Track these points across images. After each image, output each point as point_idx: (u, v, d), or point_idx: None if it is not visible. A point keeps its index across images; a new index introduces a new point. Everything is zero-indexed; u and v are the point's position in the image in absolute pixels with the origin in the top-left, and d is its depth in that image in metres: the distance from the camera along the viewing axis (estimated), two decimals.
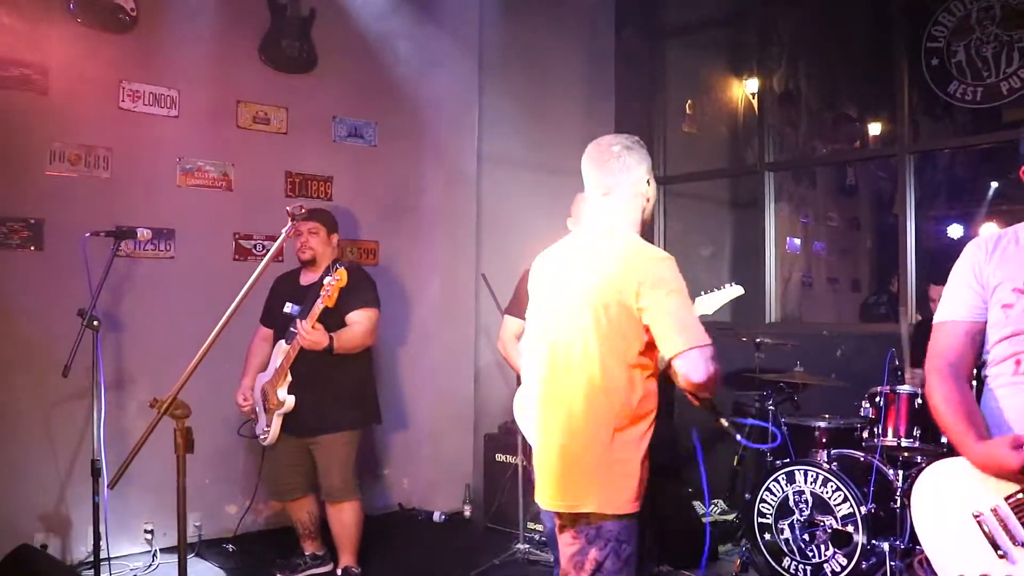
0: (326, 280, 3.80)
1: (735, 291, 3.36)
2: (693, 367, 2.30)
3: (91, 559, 3.95)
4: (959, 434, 2.08)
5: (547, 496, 2.50)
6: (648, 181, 2.56)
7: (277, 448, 4.21)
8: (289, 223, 2.85)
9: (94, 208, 4.45)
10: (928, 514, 2.14)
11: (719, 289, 3.32)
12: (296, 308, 4.16)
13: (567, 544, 2.48)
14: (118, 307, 4.58)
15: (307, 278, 4.28)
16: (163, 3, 4.69)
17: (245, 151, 5.05)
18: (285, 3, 5.09)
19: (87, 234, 3.98)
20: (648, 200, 2.58)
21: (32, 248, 4.36)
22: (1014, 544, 1.98)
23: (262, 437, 4.18)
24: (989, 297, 2.12)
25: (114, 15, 4.51)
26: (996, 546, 1.99)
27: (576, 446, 2.42)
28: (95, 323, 3.88)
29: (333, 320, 4.03)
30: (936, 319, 2.23)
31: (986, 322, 2.14)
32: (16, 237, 4.32)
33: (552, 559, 4.06)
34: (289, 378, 4.04)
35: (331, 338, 3.94)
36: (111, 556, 4.31)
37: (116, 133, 4.61)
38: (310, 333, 3.87)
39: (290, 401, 4.05)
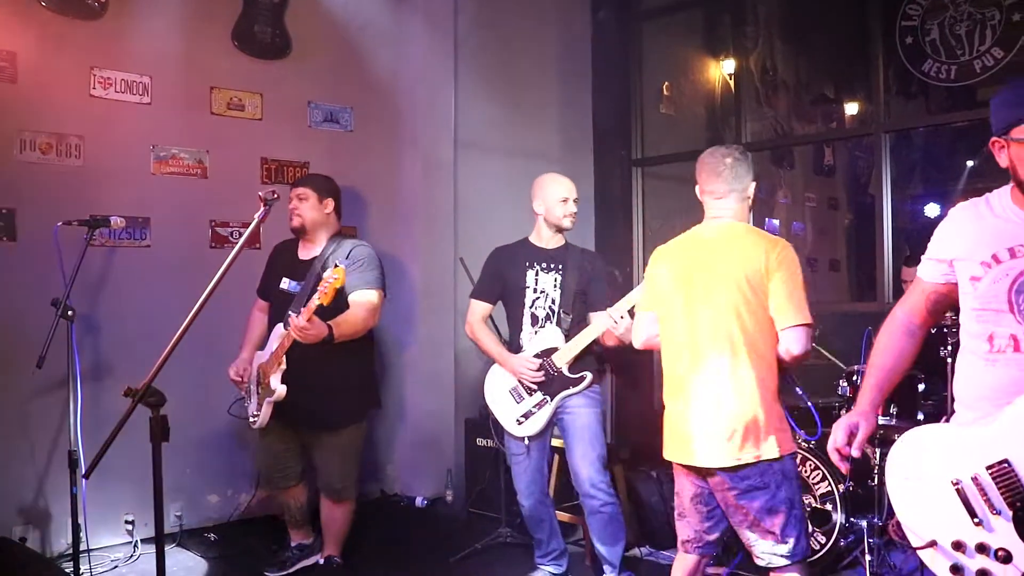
0: (325, 274, 3.55)
1: None
2: (797, 341, 2.78)
3: (71, 551, 3.93)
4: (863, 385, 2.40)
5: (727, 456, 2.78)
6: (754, 188, 3.03)
7: (271, 434, 4.04)
8: (262, 209, 2.83)
9: (67, 197, 4.39)
10: (904, 479, 2.18)
11: None
12: (294, 285, 3.97)
13: (746, 495, 2.79)
14: (93, 297, 4.53)
15: (305, 251, 4.08)
16: None
17: (220, 138, 5.00)
18: None
19: (59, 223, 3.95)
20: (751, 201, 3.05)
21: (4, 238, 4.31)
22: (991, 512, 2.00)
23: (252, 420, 4.01)
24: (952, 266, 2.23)
25: (82, 1, 4.45)
26: (973, 513, 2.02)
27: (756, 407, 2.78)
28: (69, 313, 3.85)
29: (335, 302, 3.71)
30: (918, 270, 2.39)
31: (947, 285, 2.28)
32: None
33: (534, 541, 4.10)
34: (283, 366, 3.80)
35: (330, 328, 3.69)
36: (92, 548, 4.31)
37: (87, 121, 4.55)
38: (306, 329, 3.59)
39: (281, 390, 3.79)
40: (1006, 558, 1.93)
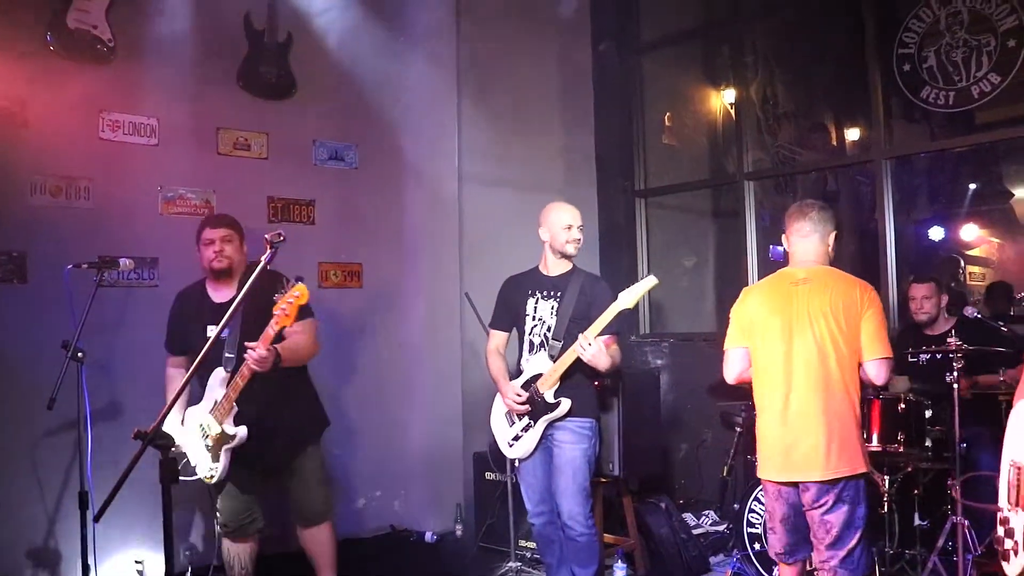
0: (281, 299, 3.37)
1: (650, 281, 3.79)
2: (881, 372, 3.21)
3: None
4: None
5: (822, 469, 3.13)
6: (834, 238, 3.42)
7: (234, 480, 3.88)
8: (268, 251, 2.86)
9: (77, 239, 4.45)
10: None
11: (637, 283, 3.80)
12: (224, 331, 3.55)
13: (832, 510, 3.13)
14: (103, 338, 4.53)
15: (220, 294, 3.93)
16: (140, 33, 4.71)
17: (226, 177, 5.06)
18: (261, 29, 5.12)
19: (69, 266, 3.99)
20: (831, 248, 3.42)
21: (15, 281, 4.35)
22: (1013, 505, 2.17)
23: (210, 475, 3.80)
24: None
25: (91, 46, 4.53)
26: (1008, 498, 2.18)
27: (845, 425, 3.16)
28: (79, 355, 3.88)
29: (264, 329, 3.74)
30: None
31: None
32: None
33: (544, 567, 4.11)
34: (235, 409, 3.71)
35: (276, 352, 3.61)
36: None
37: (97, 163, 4.60)
38: (265, 359, 3.54)
39: (242, 433, 3.70)
40: (1016, 550, 2.10)
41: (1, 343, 4.30)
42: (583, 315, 3.93)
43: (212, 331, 3.39)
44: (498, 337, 4.22)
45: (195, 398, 3.91)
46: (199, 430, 3.83)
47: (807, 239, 3.39)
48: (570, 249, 4.03)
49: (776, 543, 3.37)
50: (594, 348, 3.70)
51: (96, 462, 3.99)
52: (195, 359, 3.26)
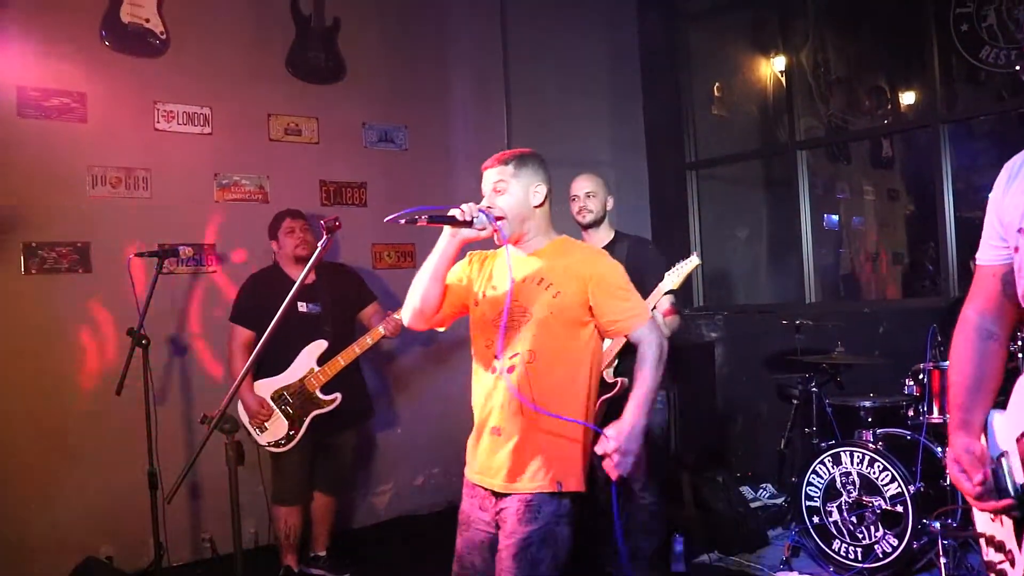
0: None
1: (693, 262, 3.77)
2: None
3: (154, 568, 4.08)
4: (952, 412, 1.98)
5: None
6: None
7: (301, 450, 4.24)
8: (325, 236, 2.90)
9: (137, 228, 4.59)
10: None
11: (680, 263, 3.79)
12: (314, 307, 4.25)
13: None
14: (166, 324, 4.69)
15: (297, 275, 4.18)
16: (191, 24, 4.79)
17: (279, 163, 5.14)
18: (309, 14, 5.17)
19: (131, 255, 4.12)
20: None
21: (80, 271, 4.49)
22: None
23: (284, 443, 4.19)
24: (1008, 235, 1.87)
25: (144, 39, 4.63)
26: None
27: None
28: (144, 341, 4.01)
29: (346, 314, 4.40)
30: (978, 257, 1.98)
31: (1011, 259, 1.87)
32: (65, 261, 4.45)
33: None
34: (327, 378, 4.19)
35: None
36: (173, 564, 4.46)
37: (153, 154, 4.72)
38: (398, 329, 4.15)
39: (338, 399, 4.20)
40: (1012, 561, 1.81)
41: (71, 331, 4.45)
42: (636, 281, 3.90)
43: (304, 307, 4.22)
44: None
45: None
46: (278, 400, 4.17)
47: None
48: (580, 219, 4.02)
49: None
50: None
51: (165, 443, 4.13)
52: (289, 330, 3.90)
